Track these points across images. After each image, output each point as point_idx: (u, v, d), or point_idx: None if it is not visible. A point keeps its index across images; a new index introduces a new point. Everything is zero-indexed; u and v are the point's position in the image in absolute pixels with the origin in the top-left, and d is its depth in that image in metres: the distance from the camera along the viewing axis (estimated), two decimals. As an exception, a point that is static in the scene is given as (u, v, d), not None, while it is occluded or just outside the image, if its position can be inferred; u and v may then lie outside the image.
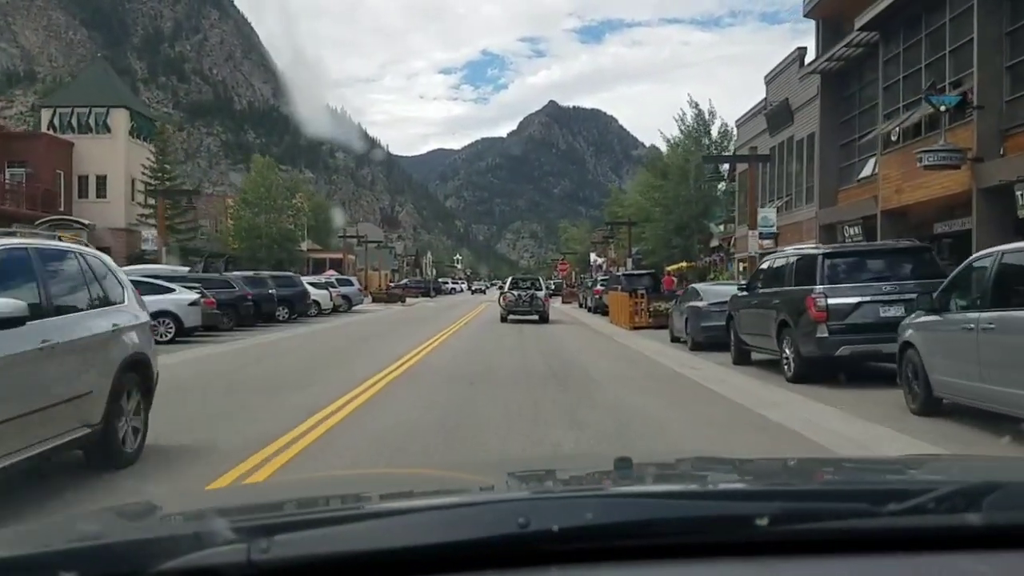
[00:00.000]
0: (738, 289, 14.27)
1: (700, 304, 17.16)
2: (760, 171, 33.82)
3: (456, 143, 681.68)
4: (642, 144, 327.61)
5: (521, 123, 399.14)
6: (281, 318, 30.02)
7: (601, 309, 34.77)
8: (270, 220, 49.87)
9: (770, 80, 33.29)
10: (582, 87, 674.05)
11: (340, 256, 74.74)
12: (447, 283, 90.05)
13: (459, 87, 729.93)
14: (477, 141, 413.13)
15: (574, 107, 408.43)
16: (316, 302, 34.69)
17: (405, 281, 76.26)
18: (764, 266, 13.28)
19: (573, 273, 79.21)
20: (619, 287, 31.62)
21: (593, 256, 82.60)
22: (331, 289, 36.56)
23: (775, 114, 31.79)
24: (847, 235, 25.53)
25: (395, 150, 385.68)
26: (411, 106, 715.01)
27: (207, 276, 25.48)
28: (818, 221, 27.81)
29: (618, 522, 1.11)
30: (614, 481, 1.62)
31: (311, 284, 35.29)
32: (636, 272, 34.02)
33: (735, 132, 44.51)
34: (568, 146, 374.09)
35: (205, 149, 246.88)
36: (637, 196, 51.88)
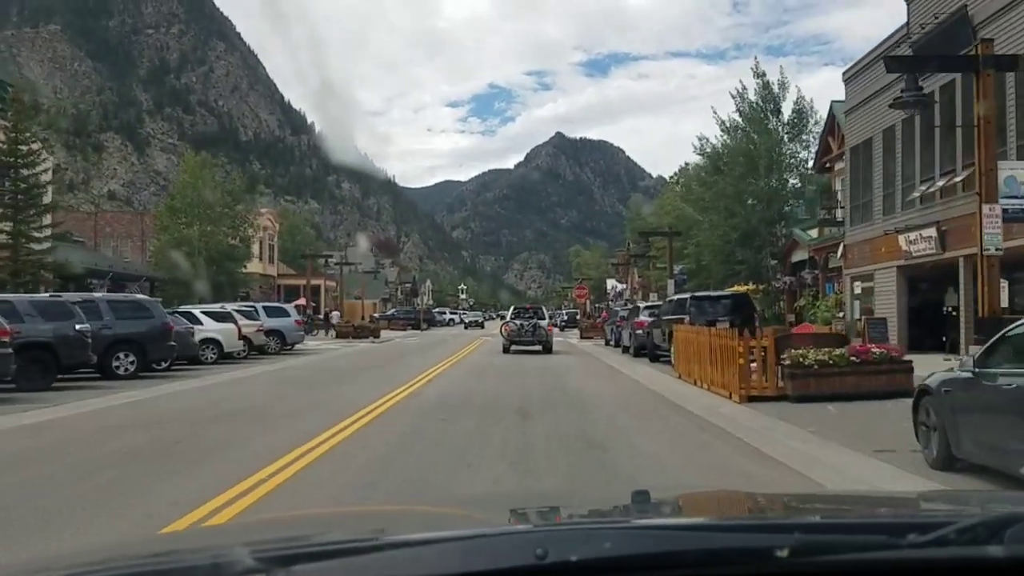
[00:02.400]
0: None
1: None
2: (899, 136, 21.07)
3: (463, 175, 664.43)
4: (649, 175, 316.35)
5: (528, 154, 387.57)
6: (122, 371, 17.28)
7: (650, 352, 21.89)
8: (204, 233, 37.24)
9: (916, -8, 20.63)
10: (589, 119, 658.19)
11: (318, 283, 62.32)
12: (444, 313, 76.40)
13: (466, 119, 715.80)
14: (484, 172, 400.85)
15: (581, 138, 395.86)
16: (213, 342, 21.95)
17: (392, 311, 63.33)
18: None
19: (587, 302, 66.13)
20: (686, 318, 18.79)
21: (612, 282, 69.74)
22: (243, 322, 23.68)
23: (937, 39, 19.07)
24: None
25: (402, 181, 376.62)
26: (418, 138, 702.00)
27: None
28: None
29: (637, 554, 1.06)
30: (632, 513, 1.54)
31: (206, 314, 22.52)
32: (713, 295, 21.06)
33: (813, 103, 31.93)
34: (575, 177, 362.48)
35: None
36: (678, 201, 39.14)
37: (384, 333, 48.72)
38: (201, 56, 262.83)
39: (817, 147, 29.74)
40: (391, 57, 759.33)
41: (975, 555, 1.07)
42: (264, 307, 27.02)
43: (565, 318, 64.42)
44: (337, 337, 38.49)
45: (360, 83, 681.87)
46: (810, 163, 32.10)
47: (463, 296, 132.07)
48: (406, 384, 14.96)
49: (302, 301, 56.97)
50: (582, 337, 40.35)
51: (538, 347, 26.34)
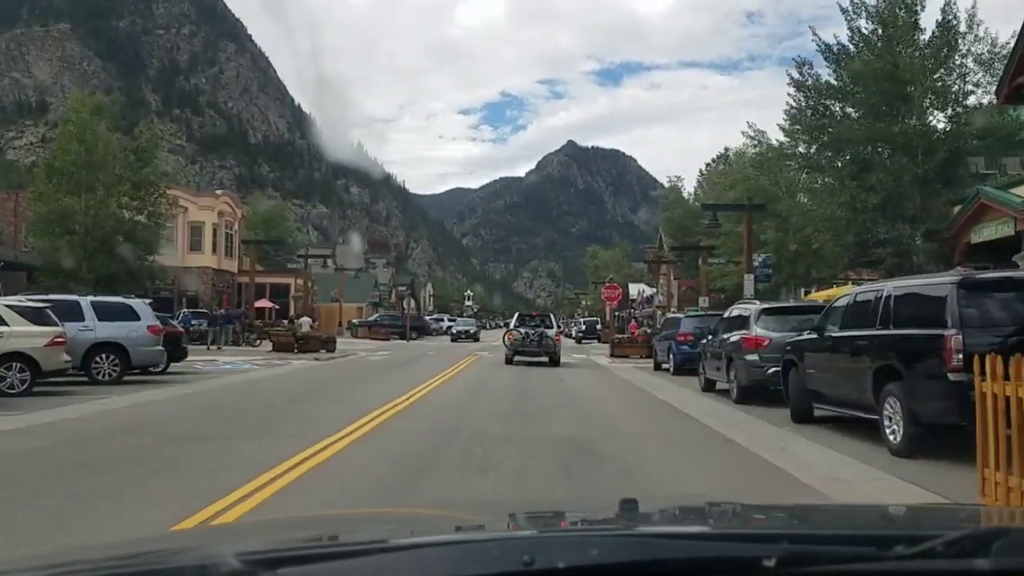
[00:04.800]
0: None
1: None
2: None
3: (474, 182, 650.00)
4: (661, 184, 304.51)
5: (540, 162, 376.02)
6: None
7: (797, 403, 10.36)
8: (93, 203, 25.97)
9: None
10: (601, 128, 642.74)
11: (288, 281, 51.05)
12: (441, 320, 63.85)
13: (478, 127, 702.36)
14: (495, 180, 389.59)
15: (593, 147, 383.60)
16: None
17: (375, 317, 51.84)
18: None
19: (611, 309, 54.18)
20: (950, 333, 7.11)
21: (640, 287, 57.98)
22: (14, 328, 12.21)
23: None
24: None
25: (413, 188, 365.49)
26: (430, 145, 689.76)
27: None
28: None
29: (624, 561, 1.03)
30: (620, 521, 1.49)
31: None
32: (1016, 276, 9.34)
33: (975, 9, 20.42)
34: (587, 185, 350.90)
35: (218, 182, 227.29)
36: (748, 167, 27.49)
37: (358, 343, 37.27)
38: (211, 57, 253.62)
39: (1006, 68, 18.10)
40: (403, 65, 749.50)
41: (962, 568, 1.04)
42: (94, 303, 15.48)
43: (583, 328, 52.65)
44: (273, 350, 26.97)
45: (372, 90, 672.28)
46: (970, 99, 20.49)
47: (468, 303, 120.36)
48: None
49: (268, 304, 45.88)
50: (614, 355, 28.60)
51: (544, 359, 23.60)
